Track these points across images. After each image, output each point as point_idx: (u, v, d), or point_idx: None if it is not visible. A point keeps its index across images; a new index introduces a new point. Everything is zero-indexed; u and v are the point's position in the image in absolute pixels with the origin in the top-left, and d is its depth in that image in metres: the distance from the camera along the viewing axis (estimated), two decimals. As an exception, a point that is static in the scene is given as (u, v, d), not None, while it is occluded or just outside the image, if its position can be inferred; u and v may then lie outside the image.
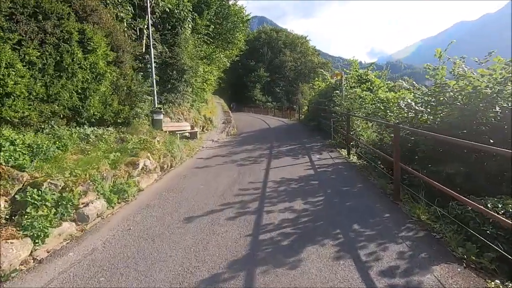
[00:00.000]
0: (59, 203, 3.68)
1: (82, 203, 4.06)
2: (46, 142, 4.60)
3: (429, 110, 5.37)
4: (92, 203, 4.19)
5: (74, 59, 5.69)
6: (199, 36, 14.67)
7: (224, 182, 5.83)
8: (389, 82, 13.37)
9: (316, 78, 17.38)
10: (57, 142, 4.94)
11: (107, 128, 7.10)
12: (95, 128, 6.69)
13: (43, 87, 5.07)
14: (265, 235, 3.55)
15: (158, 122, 9.86)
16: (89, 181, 4.39)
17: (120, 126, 7.66)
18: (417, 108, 5.48)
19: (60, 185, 3.84)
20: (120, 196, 4.87)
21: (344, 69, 13.40)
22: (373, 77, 12.97)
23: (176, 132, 10.96)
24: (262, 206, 4.49)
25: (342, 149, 8.71)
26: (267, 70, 52.04)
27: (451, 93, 5.35)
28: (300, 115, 19.93)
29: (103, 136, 6.43)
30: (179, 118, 12.13)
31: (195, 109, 14.05)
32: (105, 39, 6.81)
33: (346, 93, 11.39)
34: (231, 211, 4.35)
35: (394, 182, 4.59)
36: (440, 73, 5.94)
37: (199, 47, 14.13)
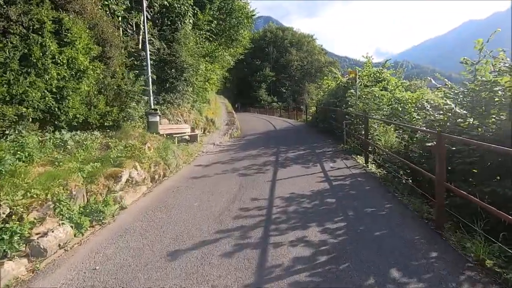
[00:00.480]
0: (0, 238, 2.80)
1: (37, 233, 3.18)
2: (1, 152, 3.74)
3: (474, 114, 4.35)
4: (52, 231, 3.30)
5: (47, 53, 4.83)
6: (201, 32, 13.79)
7: (222, 199, 4.90)
8: (405, 81, 12.31)
9: (325, 77, 16.36)
10: (19, 152, 4.07)
11: (92, 133, 6.26)
12: (77, 132, 5.85)
13: (3, 85, 4.22)
14: (271, 285, 2.61)
15: (153, 125, 9.01)
16: (51, 202, 3.51)
17: (108, 130, 6.81)
18: (458, 111, 4.47)
19: (3, 212, 2.96)
20: (94, 218, 3.99)
21: (356, 67, 12.37)
22: (389, 75, 11.93)
23: (174, 135, 10.10)
24: (267, 235, 3.55)
25: (358, 156, 7.72)
26: (273, 70, 51.07)
27: (500, 92, 4.35)
28: (307, 116, 18.93)
29: (85, 142, 5.58)
30: (178, 120, 11.27)
31: (196, 110, 13.18)
32: (88, 31, 5.95)
33: (360, 92, 10.38)
34: (228, 242, 3.42)
35: (436, 206, 3.60)
36: (483, 69, 4.93)
37: (200, 44, 13.26)
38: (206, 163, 7.90)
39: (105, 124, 6.66)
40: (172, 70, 10.93)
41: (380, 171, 6.37)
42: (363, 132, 7.54)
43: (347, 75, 11.55)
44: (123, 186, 4.99)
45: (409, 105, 7.99)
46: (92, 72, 5.93)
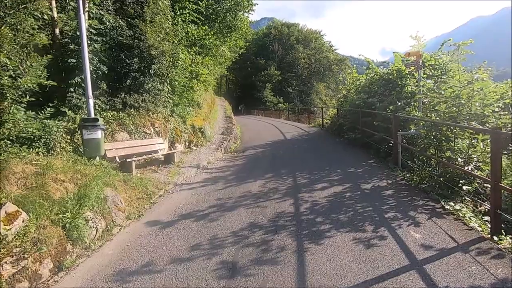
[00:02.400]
0: None
1: None
2: None
3: None
4: None
5: None
6: (184, 12, 10.26)
7: None
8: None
9: (349, 71, 12.63)
10: None
11: None
12: None
13: None
14: None
15: (92, 145, 5.54)
16: None
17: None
18: None
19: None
20: None
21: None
22: (448, 61, 8.22)
23: (136, 157, 6.59)
24: None
25: (450, 203, 4.05)
26: (278, 68, 47.49)
27: None
28: (323, 120, 15.25)
29: None
30: (146, 133, 7.74)
31: (178, 116, 9.66)
32: None
33: (425, 87, 6.70)
34: None
35: None
36: None
37: (183, 26, 9.75)
38: (169, 217, 4.35)
39: None
40: (135, 59, 7.42)
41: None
42: (492, 168, 3.87)
43: (406, 59, 7.75)
44: None
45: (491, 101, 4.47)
46: None
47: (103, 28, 6.95)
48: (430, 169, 5.18)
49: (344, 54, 58.58)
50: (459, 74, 5.25)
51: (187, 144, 9.66)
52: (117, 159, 6.28)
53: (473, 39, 8.24)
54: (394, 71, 8.12)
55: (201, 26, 10.68)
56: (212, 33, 11.76)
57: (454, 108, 4.83)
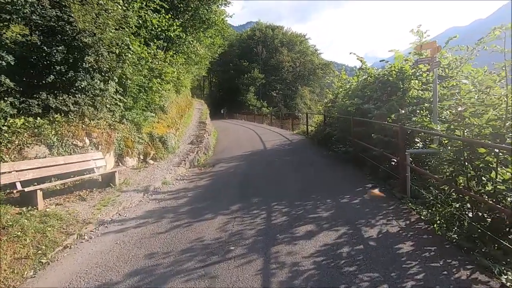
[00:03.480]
0: None
1: None
2: None
3: None
4: None
5: None
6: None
7: None
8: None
9: (337, 72, 11.20)
10: None
11: None
12: None
13: None
14: None
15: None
16: None
17: None
18: None
19: None
20: None
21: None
22: (453, 60, 6.87)
23: (52, 182, 4.75)
24: None
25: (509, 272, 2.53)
26: (262, 72, 46.14)
27: None
28: (308, 126, 13.75)
29: None
30: (76, 145, 5.85)
31: (131, 123, 7.80)
32: None
33: (443, 90, 5.25)
34: None
35: None
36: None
37: (139, 13, 7.93)
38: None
39: None
40: (59, 47, 5.55)
41: None
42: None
43: (424, 51, 6.21)
44: None
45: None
46: None
47: (10, 1, 5.05)
48: (458, 205, 3.67)
49: (326, 59, 57.67)
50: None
51: (141, 157, 7.81)
52: (18, 186, 4.39)
53: (450, 47, 7.09)
54: (394, 72, 6.67)
55: (164, 15, 8.91)
56: (178, 23, 9.96)
57: (497, 122, 3.33)
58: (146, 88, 8.50)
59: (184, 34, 11.13)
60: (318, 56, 53.63)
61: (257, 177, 6.65)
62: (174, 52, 12.42)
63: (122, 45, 6.75)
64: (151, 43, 9.38)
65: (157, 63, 9.04)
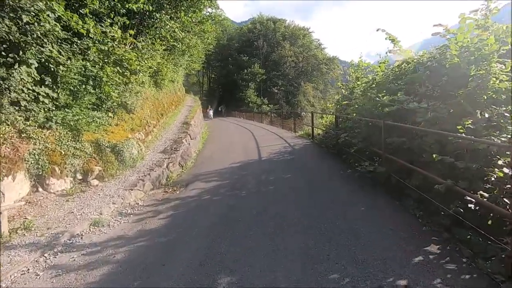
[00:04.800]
0: None
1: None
2: None
3: None
4: None
5: None
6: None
7: None
8: None
9: (353, 62, 8.72)
10: None
11: None
12: None
13: None
14: None
15: None
16: None
17: None
18: None
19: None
20: None
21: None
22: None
23: None
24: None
25: None
26: (263, 67, 43.55)
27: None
28: (314, 128, 11.34)
29: None
30: None
31: (64, 127, 5.44)
32: None
33: None
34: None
35: None
36: None
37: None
38: None
39: None
40: None
41: None
42: None
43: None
44: None
45: None
46: None
47: None
48: None
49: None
50: None
51: (79, 177, 5.46)
52: None
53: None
54: (455, 50, 4.22)
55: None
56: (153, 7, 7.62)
57: None
58: (94, 78, 6.13)
59: (157, 13, 8.74)
60: (322, 50, 50.84)
61: (241, 215, 4.29)
62: (151, 37, 10.06)
63: (31, 8, 4.38)
64: (108, 20, 6.99)
65: (110, 45, 6.66)
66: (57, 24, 4.91)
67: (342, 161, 7.15)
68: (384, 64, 6.43)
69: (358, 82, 7.79)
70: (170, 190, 5.84)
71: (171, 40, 10.63)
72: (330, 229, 3.63)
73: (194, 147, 9.76)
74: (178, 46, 13.08)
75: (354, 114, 6.90)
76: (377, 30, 5.92)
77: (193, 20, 12.38)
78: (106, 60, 6.66)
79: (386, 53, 6.42)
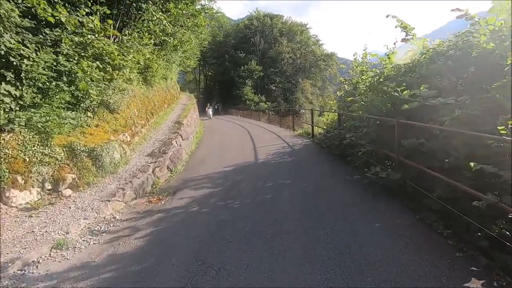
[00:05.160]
0: None
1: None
2: None
3: None
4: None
5: None
6: None
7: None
8: None
9: (356, 55, 8.03)
10: None
11: None
12: None
13: None
14: None
15: None
16: None
17: None
18: None
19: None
20: None
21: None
22: None
23: None
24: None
25: None
26: (260, 63, 42.77)
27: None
28: (314, 126, 10.68)
29: None
30: None
31: (31, 129, 4.74)
32: None
33: None
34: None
35: None
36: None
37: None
38: None
39: None
40: None
41: None
42: None
43: None
44: None
45: None
46: None
47: None
48: None
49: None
50: None
51: (49, 186, 4.77)
52: None
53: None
54: (484, 36, 3.56)
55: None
56: None
57: None
58: (68, 73, 5.42)
59: (143, 3, 7.99)
60: (320, 47, 50.06)
61: (232, 233, 3.62)
62: (138, 30, 9.33)
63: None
64: (85, 9, 6.25)
65: (89, 36, 5.94)
66: (14, 9, 4.20)
67: (347, 164, 6.49)
68: (393, 55, 5.75)
69: (363, 77, 7.12)
70: (154, 199, 5.17)
71: (161, 34, 9.90)
72: (334, 249, 2.96)
73: (186, 148, 9.07)
74: (169, 41, 12.35)
75: (360, 112, 6.23)
76: (387, 16, 5.24)
77: (185, 13, 11.64)
78: (82, 54, 5.93)
79: (394, 43, 5.73)
